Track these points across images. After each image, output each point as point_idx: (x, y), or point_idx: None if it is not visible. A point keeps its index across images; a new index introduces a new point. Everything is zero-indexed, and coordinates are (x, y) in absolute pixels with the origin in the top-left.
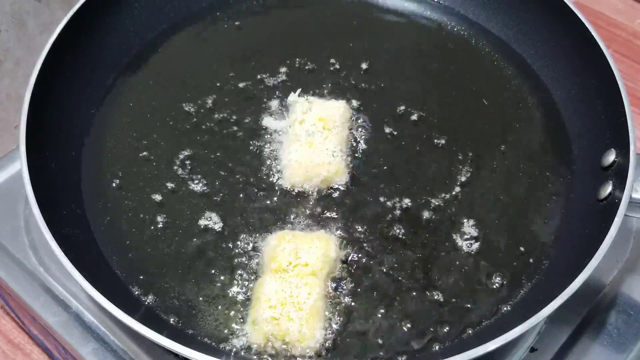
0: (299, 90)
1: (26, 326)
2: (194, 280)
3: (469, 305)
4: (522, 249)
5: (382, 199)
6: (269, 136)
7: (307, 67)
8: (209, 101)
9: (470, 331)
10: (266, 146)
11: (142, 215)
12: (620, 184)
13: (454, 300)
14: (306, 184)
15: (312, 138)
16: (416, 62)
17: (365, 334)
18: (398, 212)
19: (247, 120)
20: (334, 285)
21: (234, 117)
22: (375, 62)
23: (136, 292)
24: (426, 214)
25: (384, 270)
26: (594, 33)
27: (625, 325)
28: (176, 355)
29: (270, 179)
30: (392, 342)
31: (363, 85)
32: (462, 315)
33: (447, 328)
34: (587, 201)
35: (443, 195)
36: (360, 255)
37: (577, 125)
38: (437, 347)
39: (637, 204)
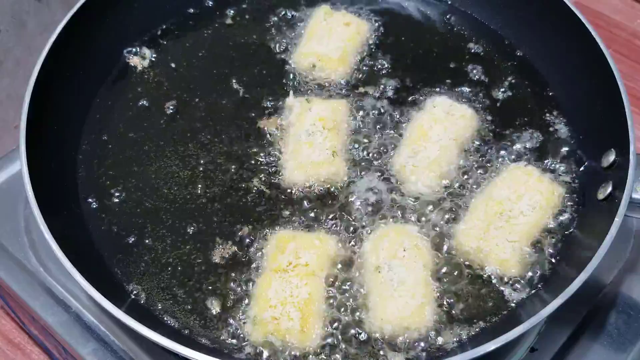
0: (291, 92)
1: (26, 326)
2: (192, 280)
3: (469, 306)
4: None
5: (382, 198)
6: (269, 136)
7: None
8: (208, 101)
9: (471, 331)
10: (266, 146)
11: (141, 215)
12: (620, 184)
13: (454, 301)
14: (306, 184)
15: (312, 138)
16: (416, 60)
17: (365, 334)
18: (398, 211)
19: (246, 120)
20: (334, 285)
21: (233, 118)
22: (374, 62)
23: (134, 292)
24: (427, 212)
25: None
26: (594, 33)
27: (625, 325)
28: (176, 355)
29: (271, 179)
30: (392, 342)
31: (361, 84)
32: (463, 316)
33: (447, 328)
34: (587, 201)
35: (442, 198)
36: (360, 254)
37: (577, 125)
38: (437, 347)
39: (637, 204)
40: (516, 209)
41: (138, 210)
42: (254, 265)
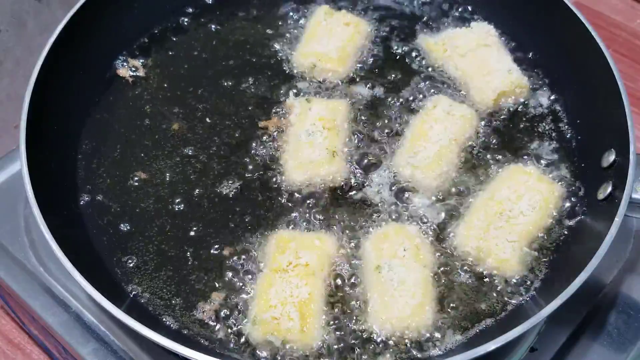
0: (291, 92)
1: (26, 326)
2: (192, 280)
3: (469, 306)
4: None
5: (382, 198)
6: (269, 136)
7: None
8: (209, 101)
9: (471, 331)
10: (266, 146)
11: (141, 216)
12: (620, 184)
13: (454, 301)
14: (306, 184)
15: (312, 138)
16: (416, 60)
17: (365, 333)
18: (398, 211)
19: (246, 120)
20: (334, 284)
21: (233, 118)
22: (374, 62)
23: (134, 292)
24: (427, 212)
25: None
26: (593, 33)
27: (625, 325)
28: (176, 355)
29: (270, 179)
30: (393, 342)
31: (361, 84)
32: (463, 316)
33: (448, 329)
34: (587, 201)
35: (442, 197)
36: (360, 254)
37: (577, 125)
38: (438, 347)
39: (637, 204)
40: (516, 209)
41: (138, 210)
42: (254, 265)
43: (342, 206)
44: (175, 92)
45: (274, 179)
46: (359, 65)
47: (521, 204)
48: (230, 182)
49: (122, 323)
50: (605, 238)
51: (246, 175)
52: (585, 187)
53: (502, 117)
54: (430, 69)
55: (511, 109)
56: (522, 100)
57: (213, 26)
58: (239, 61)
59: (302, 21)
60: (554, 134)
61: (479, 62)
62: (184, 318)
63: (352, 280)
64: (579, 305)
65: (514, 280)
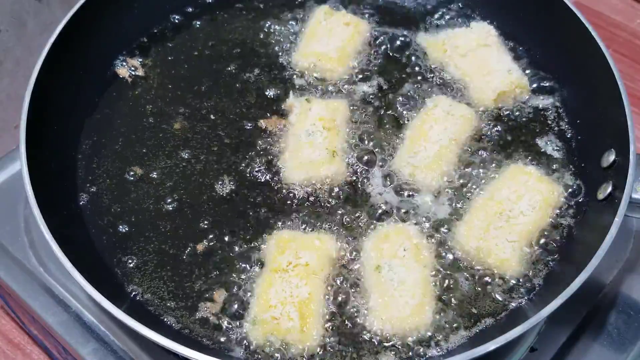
0: (291, 92)
1: (26, 326)
2: (192, 280)
3: (469, 306)
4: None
5: (382, 198)
6: (268, 136)
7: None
8: (209, 101)
9: (471, 331)
10: (266, 146)
11: (142, 216)
12: (620, 184)
13: (454, 301)
14: (306, 184)
15: (312, 138)
16: (416, 60)
17: (365, 333)
18: (399, 211)
19: (246, 120)
20: (334, 284)
21: (233, 118)
22: (374, 62)
23: (134, 292)
24: (427, 212)
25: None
26: (593, 33)
27: (625, 325)
28: (176, 355)
29: (271, 179)
30: (393, 342)
31: (361, 84)
32: (463, 316)
33: (448, 329)
34: (587, 201)
35: (442, 198)
36: (360, 254)
37: (577, 125)
38: (437, 347)
39: (637, 204)
40: (516, 209)
41: (138, 210)
42: (254, 265)
43: (342, 206)
44: (176, 92)
45: (274, 179)
46: (359, 65)
47: (521, 204)
48: (230, 182)
49: (122, 323)
50: (605, 238)
51: (246, 175)
52: (585, 187)
53: (502, 117)
54: (430, 69)
55: (511, 109)
56: (522, 100)
57: (213, 26)
58: (239, 61)
59: (302, 21)
60: (553, 134)
61: (479, 62)
62: (184, 318)
63: (352, 280)
64: (579, 305)
65: (514, 280)
